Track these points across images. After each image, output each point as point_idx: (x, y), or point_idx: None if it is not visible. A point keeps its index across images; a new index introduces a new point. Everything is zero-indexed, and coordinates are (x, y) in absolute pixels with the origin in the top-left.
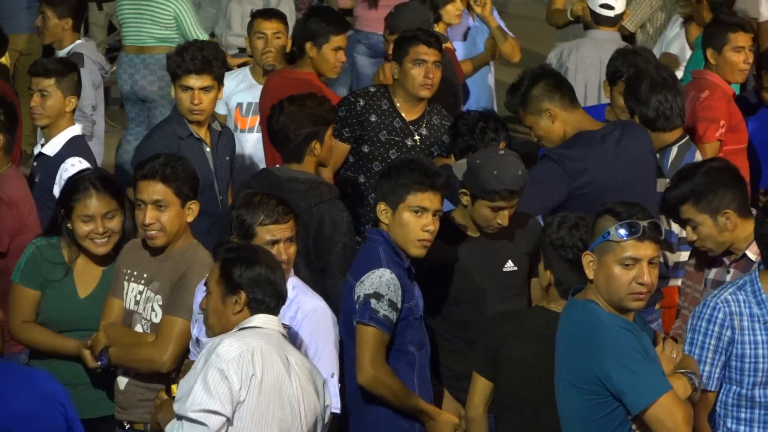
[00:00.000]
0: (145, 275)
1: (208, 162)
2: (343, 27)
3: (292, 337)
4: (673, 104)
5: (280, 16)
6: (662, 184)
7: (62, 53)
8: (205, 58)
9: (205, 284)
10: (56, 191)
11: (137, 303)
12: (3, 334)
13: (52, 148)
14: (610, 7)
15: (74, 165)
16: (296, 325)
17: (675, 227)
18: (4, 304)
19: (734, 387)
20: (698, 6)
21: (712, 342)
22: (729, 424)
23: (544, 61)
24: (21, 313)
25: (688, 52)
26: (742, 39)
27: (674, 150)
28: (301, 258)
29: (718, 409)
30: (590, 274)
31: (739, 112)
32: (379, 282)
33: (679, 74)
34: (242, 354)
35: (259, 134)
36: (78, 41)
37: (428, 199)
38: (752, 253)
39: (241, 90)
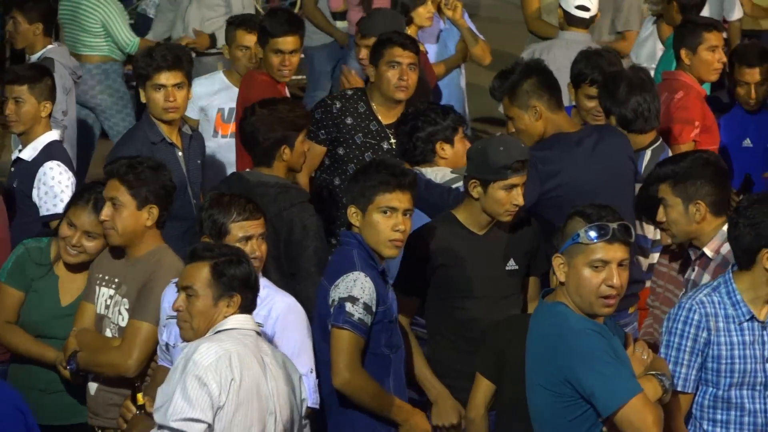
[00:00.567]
0: (116, 279)
1: (181, 166)
2: (284, 30)
3: (266, 335)
4: (651, 106)
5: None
6: (637, 189)
7: (34, 58)
8: (175, 55)
9: (183, 287)
10: (35, 195)
11: (107, 307)
12: None
13: (29, 153)
14: (585, 9)
15: (52, 168)
16: (270, 324)
17: (648, 231)
18: None
19: (710, 388)
20: (668, 6)
21: (689, 344)
22: (705, 426)
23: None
24: (4, 313)
25: (660, 52)
26: (715, 38)
27: (648, 153)
28: (272, 262)
29: (694, 411)
30: (561, 277)
31: (712, 113)
32: (354, 285)
33: None
34: (219, 359)
35: None
36: (49, 46)
37: (397, 199)
38: (709, 250)
39: (219, 95)
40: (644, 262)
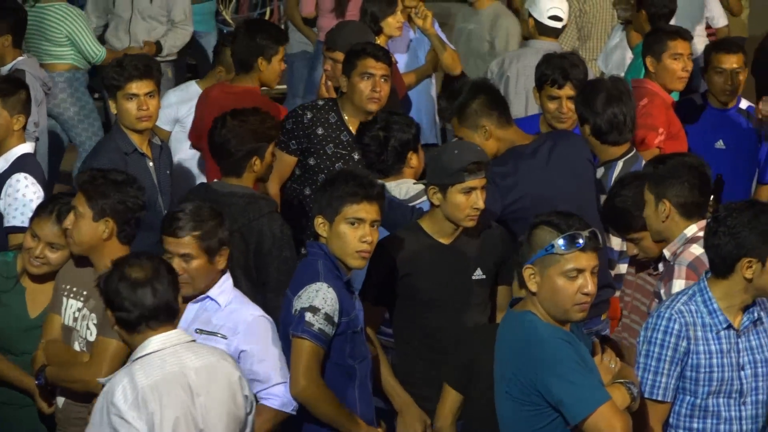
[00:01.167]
0: (84, 292)
1: (153, 177)
2: (285, 37)
3: (233, 348)
4: (626, 118)
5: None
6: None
7: (4, 70)
8: (146, 64)
9: (185, 255)
10: (1, 206)
11: (75, 320)
12: None
13: (1, 165)
14: (558, 19)
15: (19, 180)
16: (237, 337)
17: (615, 243)
18: None
19: (688, 397)
20: (638, 15)
21: (669, 353)
22: None
23: (486, 71)
24: None
25: (629, 60)
26: (681, 46)
27: (620, 164)
28: (242, 272)
29: (670, 419)
30: (533, 287)
31: (678, 120)
32: (316, 295)
33: None
34: (137, 397)
35: None
36: (19, 57)
37: (364, 210)
38: (668, 252)
39: (193, 105)
40: (611, 274)
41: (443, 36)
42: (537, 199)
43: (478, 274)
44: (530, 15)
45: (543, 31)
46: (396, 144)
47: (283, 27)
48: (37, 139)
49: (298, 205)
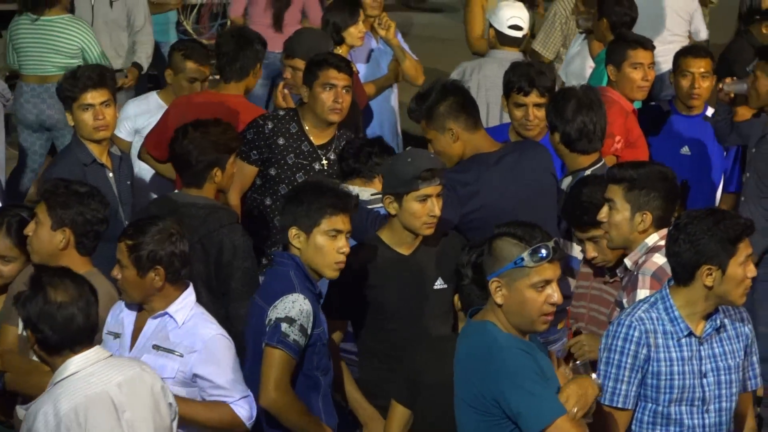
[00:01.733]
0: None
1: (113, 188)
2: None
3: (188, 368)
4: (596, 127)
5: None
6: None
7: None
8: (99, 73)
9: (118, 260)
10: None
11: None
12: None
13: None
14: (519, 28)
15: None
16: (193, 356)
17: (575, 251)
18: None
19: (650, 404)
20: (599, 23)
21: (629, 360)
22: None
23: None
24: None
25: (590, 69)
26: (641, 56)
27: (587, 174)
28: (202, 283)
29: (633, 427)
30: (499, 300)
31: (639, 128)
32: (292, 307)
33: None
34: (59, 423)
35: None
36: None
37: (342, 222)
38: (629, 261)
39: (155, 116)
40: (573, 282)
41: (406, 46)
42: (496, 208)
43: (439, 283)
44: (491, 25)
45: (504, 40)
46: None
47: None
48: None
49: (258, 215)
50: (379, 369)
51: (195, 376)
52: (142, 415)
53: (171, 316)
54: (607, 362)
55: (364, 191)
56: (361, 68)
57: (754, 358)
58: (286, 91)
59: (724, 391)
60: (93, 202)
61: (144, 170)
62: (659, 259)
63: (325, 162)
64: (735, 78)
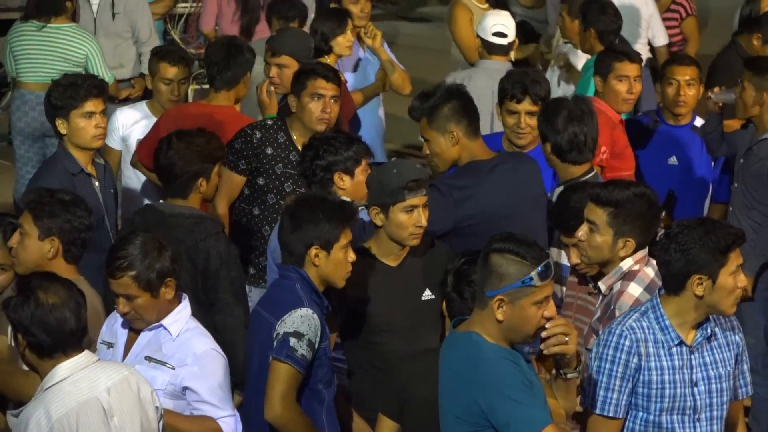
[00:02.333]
0: None
1: (99, 197)
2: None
3: (179, 380)
4: (587, 138)
5: (185, 61)
6: None
7: None
8: (100, 83)
9: (125, 295)
10: None
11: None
12: None
13: None
14: (503, 35)
15: None
16: (185, 369)
17: (564, 259)
18: None
19: (641, 413)
20: (585, 34)
21: (619, 369)
22: None
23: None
24: None
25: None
26: (627, 68)
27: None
28: (189, 293)
29: None
30: (501, 317)
31: (625, 138)
32: (301, 322)
33: None
34: (53, 428)
35: None
36: None
37: (350, 233)
38: (604, 285)
39: (140, 125)
40: (558, 289)
41: (392, 55)
42: (494, 216)
43: (427, 294)
44: (478, 35)
45: (490, 49)
46: (323, 163)
47: None
48: None
49: (247, 224)
50: (367, 381)
51: (185, 389)
52: (130, 419)
53: (166, 329)
54: (598, 371)
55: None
56: (348, 77)
57: (745, 367)
58: (272, 89)
59: (715, 400)
60: (78, 209)
61: (130, 179)
62: (635, 290)
63: None
64: (723, 87)
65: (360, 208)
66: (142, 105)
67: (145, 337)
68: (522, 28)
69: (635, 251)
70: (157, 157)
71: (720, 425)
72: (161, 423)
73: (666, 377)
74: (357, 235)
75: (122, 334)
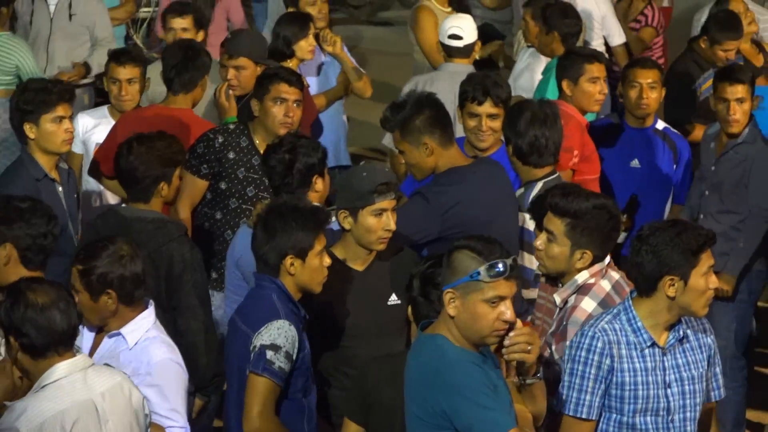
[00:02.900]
0: None
1: (62, 202)
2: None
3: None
4: (548, 141)
5: (135, 60)
6: (523, 219)
7: None
8: (70, 87)
9: (72, 286)
10: None
11: None
12: None
13: None
14: (458, 37)
15: None
16: (138, 378)
17: (532, 262)
18: None
19: (614, 415)
20: (547, 38)
21: (593, 371)
22: None
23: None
24: None
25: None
26: (597, 70)
27: (539, 185)
28: (151, 297)
29: None
30: (452, 312)
31: (592, 142)
32: (278, 334)
33: None
34: (44, 424)
35: None
36: None
37: (324, 239)
38: (558, 297)
39: (99, 129)
40: (526, 294)
41: (354, 60)
42: (474, 222)
43: (393, 299)
44: (439, 39)
45: (450, 52)
46: (301, 167)
47: None
48: None
49: (209, 229)
50: (335, 386)
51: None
52: (123, 425)
53: (123, 337)
54: (571, 373)
55: None
56: (310, 81)
57: (717, 369)
58: (230, 91)
59: (688, 401)
60: (35, 216)
61: (90, 183)
62: (589, 305)
63: None
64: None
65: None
66: (103, 109)
67: (106, 344)
68: (483, 31)
69: (592, 263)
70: (118, 161)
71: (693, 427)
72: (149, 430)
73: (639, 378)
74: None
75: (88, 340)
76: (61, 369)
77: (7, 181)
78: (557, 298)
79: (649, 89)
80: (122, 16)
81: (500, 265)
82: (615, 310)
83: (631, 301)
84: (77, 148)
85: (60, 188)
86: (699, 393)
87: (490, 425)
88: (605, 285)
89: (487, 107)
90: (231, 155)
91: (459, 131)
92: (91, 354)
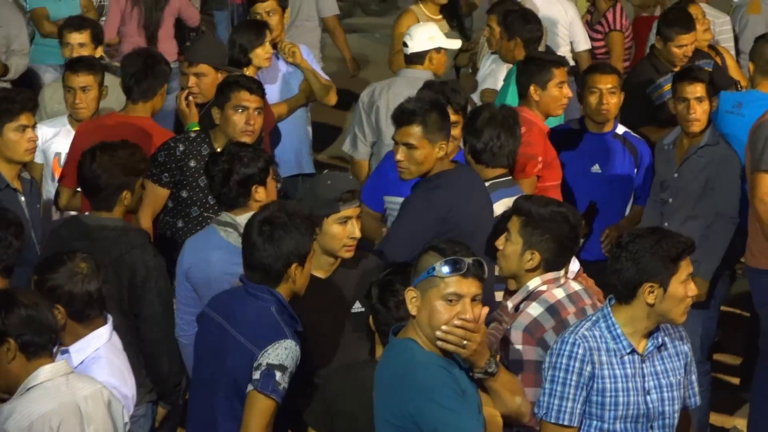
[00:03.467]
0: None
1: (25, 212)
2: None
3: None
4: (503, 144)
5: (89, 68)
6: None
7: None
8: (34, 96)
9: None
10: None
11: None
12: None
13: None
14: (405, 45)
15: None
16: None
17: None
18: None
19: (595, 422)
20: (509, 44)
21: (574, 378)
22: None
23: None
24: None
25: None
26: (562, 74)
27: (487, 185)
28: (114, 304)
29: None
30: (413, 310)
31: (553, 149)
32: (286, 355)
33: None
34: (33, 425)
35: None
36: None
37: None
38: (510, 303)
39: (58, 138)
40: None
41: (317, 67)
42: (465, 227)
43: (357, 307)
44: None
45: (408, 58)
46: (238, 178)
47: None
48: None
49: (171, 237)
50: (297, 394)
51: None
52: (104, 429)
53: (70, 355)
54: (552, 380)
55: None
56: (272, 89)
57: (693, 377)
58: (191, 98)
59: (667, 408)
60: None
61: (51, 193)
62: (534, 310)
63: None
64: None
65: None
66: (63, 119)
67: (59, 360)
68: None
69: (544, 269)
70: (81, 169)
71: None
72: None
73: (619, 385)
74: None
75: None
76: (46, 372)
77: None
78: (509, 304)
79: (608, 94)
80: None
81: (456, 262)
82: (594, 317)
83: (609, 309)
84: (37, 158)
85: (23, 198)
86: (677, 400)
87: (454, 428)
88: (558, 293)
89: None
90: (192, 164)
91: None
92: None
